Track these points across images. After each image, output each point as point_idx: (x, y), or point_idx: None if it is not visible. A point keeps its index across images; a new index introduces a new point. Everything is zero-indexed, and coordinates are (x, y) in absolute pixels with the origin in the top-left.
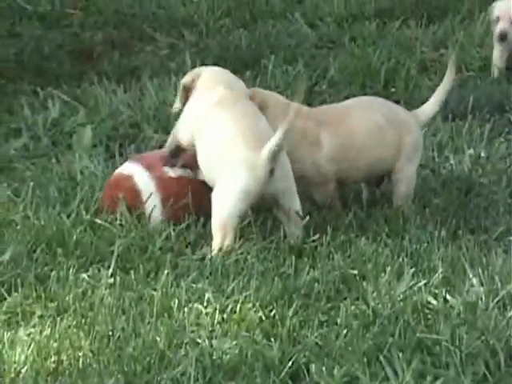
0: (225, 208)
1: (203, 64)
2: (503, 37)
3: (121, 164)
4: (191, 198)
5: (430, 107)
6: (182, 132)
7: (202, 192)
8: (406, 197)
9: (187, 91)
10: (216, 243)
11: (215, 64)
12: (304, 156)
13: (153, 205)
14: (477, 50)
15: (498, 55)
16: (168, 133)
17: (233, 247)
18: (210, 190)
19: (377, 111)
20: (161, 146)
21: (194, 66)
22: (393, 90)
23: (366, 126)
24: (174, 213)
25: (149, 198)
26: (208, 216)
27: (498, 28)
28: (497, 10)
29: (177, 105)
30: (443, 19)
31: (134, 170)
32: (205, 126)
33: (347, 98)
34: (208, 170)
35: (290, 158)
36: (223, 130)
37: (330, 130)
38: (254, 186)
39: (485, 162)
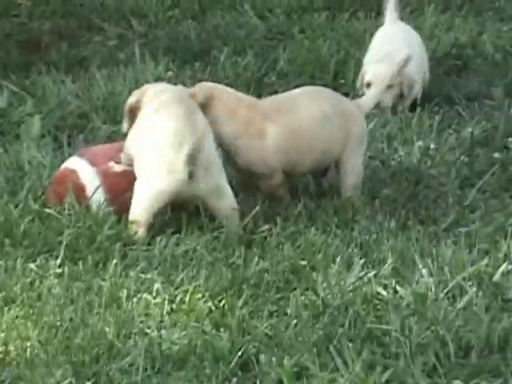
0: (139, 204)
1: (152, 55)
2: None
3: (69, 154)
4: None
5: (373, 97)
6: (130, 149)
7: None
8: (354, 188)
9: (134, 111)
10: (131, 232)
11: (165, 55)
12: (249, 148)
13: (98, 200)
14: (426, 42)
15: None
16: (117, 123)
17: (144, 240)
18: None
19: (325, 101)
20: (109, 137)
21: (142, 57)
22: (342, 81)
23: (313, 115)
24: (120, 208)
25: (94, 192)
26: None
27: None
28: (369, 74)
29: (124, 126)
30: None
31: (78, 165)
32: (141, 129)
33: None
34: (136, 168)
35: (234, 150)
36: (154, 129)
37: (275, 120)
38: (170, 187)
39: (434, 154)
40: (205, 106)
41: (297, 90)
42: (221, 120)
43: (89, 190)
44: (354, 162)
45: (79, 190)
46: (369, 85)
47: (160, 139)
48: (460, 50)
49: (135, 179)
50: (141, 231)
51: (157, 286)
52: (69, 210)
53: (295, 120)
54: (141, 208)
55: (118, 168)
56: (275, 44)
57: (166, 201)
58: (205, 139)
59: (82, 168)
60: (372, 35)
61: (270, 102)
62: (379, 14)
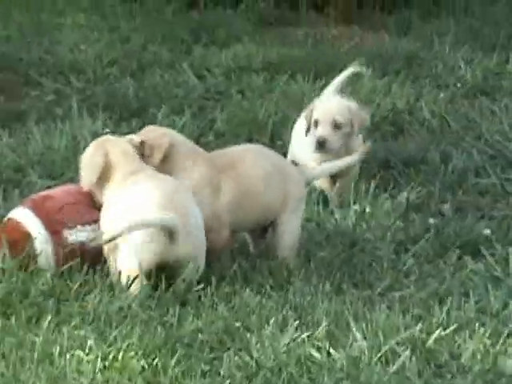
0: (126, 266)
1: (90, 111)
2: (322, 144)
3: (5, 209)
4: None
5: (321, 171)
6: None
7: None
8: (290, 250)
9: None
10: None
11: (102, 111)
12: (206, 202)
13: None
14: (363, 107)
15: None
16: (53, 178)
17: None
18: None
19: (267, 159)
20: None
21: (80, 113)
22: (279, 143)
23: (258, 172)
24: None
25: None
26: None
27: (317, 134)
28: (316, 111)
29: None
30: (330, 74)
31: (27, 221)
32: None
33: None
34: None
35: None
36: (136, 196)
37: (229, 175)
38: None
39: (369, 218)
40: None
41: (241, 147)
42: (180, 173)
43: (37, 245)
44: (291, 224)
45: (26, 242)
46: (316, 123)
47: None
48: (397, 115)
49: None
50: (136, 281)
51: (90, 342)
52: (2, 263)
53: (244, 176)
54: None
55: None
56: (213, 104)
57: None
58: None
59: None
60: (310, 98)
61: (222, 157)
62: (317, 77)
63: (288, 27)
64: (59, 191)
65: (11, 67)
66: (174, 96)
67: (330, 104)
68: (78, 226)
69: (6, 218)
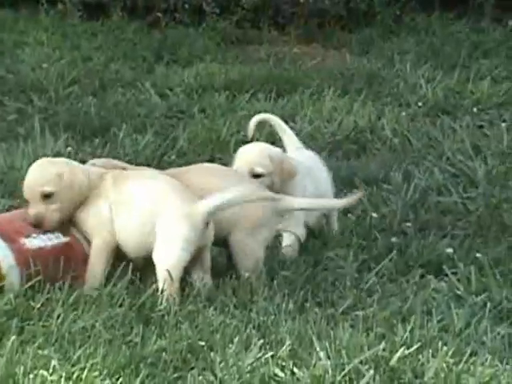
0: (168, 258)
1: (52, 130)
2: None
3: None
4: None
5: (299, 203)
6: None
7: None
8: (249, 271)
9: None
10: (165, 294)
11: (64, 130)
12: None
13: (12, 277)
14: (325, 125)
15: None
16: (14, 198)
17: (177, 297)
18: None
19: (214, 177)
20: (7, 210)
21: (42, 132)
22: None
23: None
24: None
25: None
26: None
27: None
28: (236, 160)
29: None
30: (292, 93)
31: None
32: (122, 205)
33: None
34: (142, 235)
35: None
36: (152, 191)
37: None
38: (193, 236)
39: (332, 237)
40: None
41: (201, 165)
42: None
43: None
44: (246, 246)
45: None
46: None
47: (170, 193)
48: (359, 134)
49: (49, 254)
50: (173, 290)
51: (54, 362)
52: None
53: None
54: (170, 263)
55: (29, 245)
56: (175, 123)
57: (191, 251)
58: None
59: None
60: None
61: (171, 170)
62: (279, 95)
63: (250, 46)
64: (5, 214)
65: None
66: (136, 115)
67: (250, 153)
68: (33, 234)
69: None
